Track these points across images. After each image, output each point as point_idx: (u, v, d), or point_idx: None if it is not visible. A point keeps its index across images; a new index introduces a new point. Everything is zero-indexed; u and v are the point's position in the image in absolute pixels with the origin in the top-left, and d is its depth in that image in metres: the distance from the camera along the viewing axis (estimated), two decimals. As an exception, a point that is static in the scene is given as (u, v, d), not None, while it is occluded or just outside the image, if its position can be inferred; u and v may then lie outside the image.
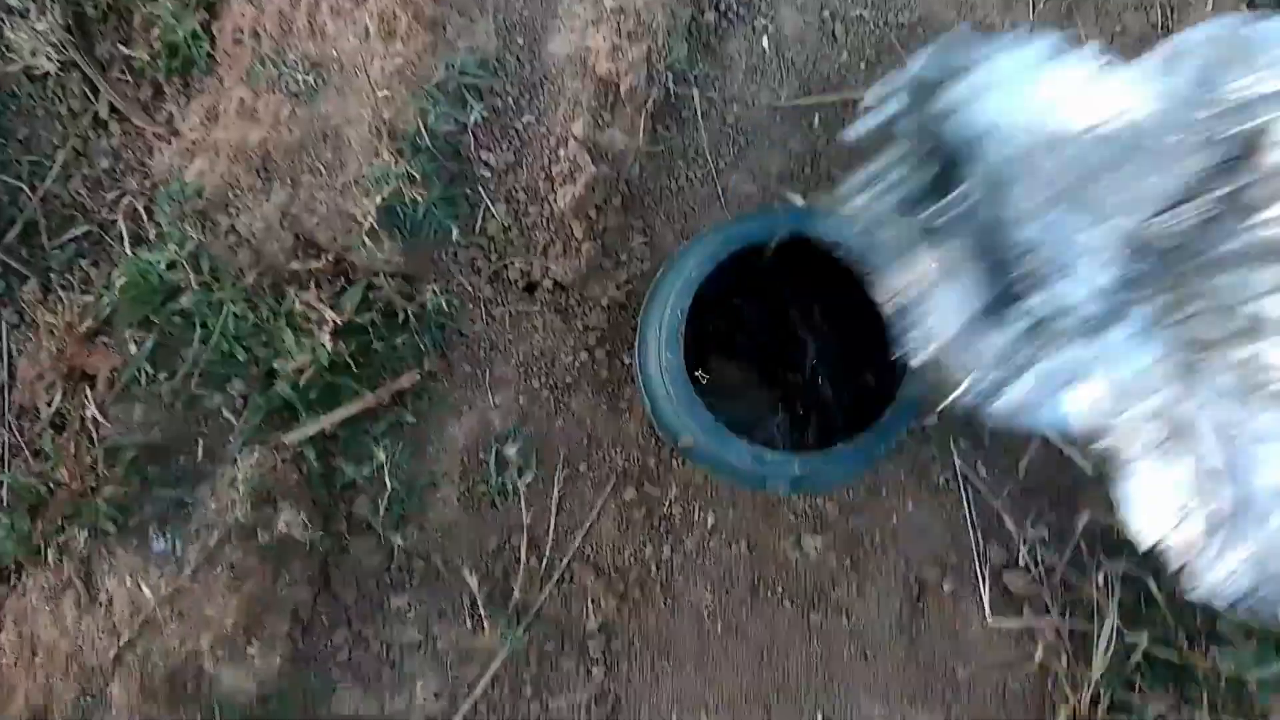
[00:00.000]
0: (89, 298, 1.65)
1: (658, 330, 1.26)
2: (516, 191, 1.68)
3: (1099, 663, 1.73)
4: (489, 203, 1.67)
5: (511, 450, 1.68)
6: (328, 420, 1.63)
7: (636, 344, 1.39)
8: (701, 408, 1.21)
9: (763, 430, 1.45)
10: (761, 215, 1.28)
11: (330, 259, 1.60)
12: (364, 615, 1.65)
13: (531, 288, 1.74)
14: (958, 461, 1.82)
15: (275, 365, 1.60)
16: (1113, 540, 1.80)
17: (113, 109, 1.76)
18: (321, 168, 1.59)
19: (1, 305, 1.74)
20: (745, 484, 1.35)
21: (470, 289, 1.70)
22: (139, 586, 1.45)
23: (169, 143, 1.71)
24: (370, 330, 1.64)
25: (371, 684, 1.63)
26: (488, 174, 1.67)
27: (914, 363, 1.08)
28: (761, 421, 1.45)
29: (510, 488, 1.71)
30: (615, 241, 1.72)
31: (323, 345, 1.57)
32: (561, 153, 1.64)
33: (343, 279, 1.64)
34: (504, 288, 1.72)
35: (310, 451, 1.63)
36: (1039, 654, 1.78)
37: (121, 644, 1.45)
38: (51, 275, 1.75)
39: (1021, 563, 1.79)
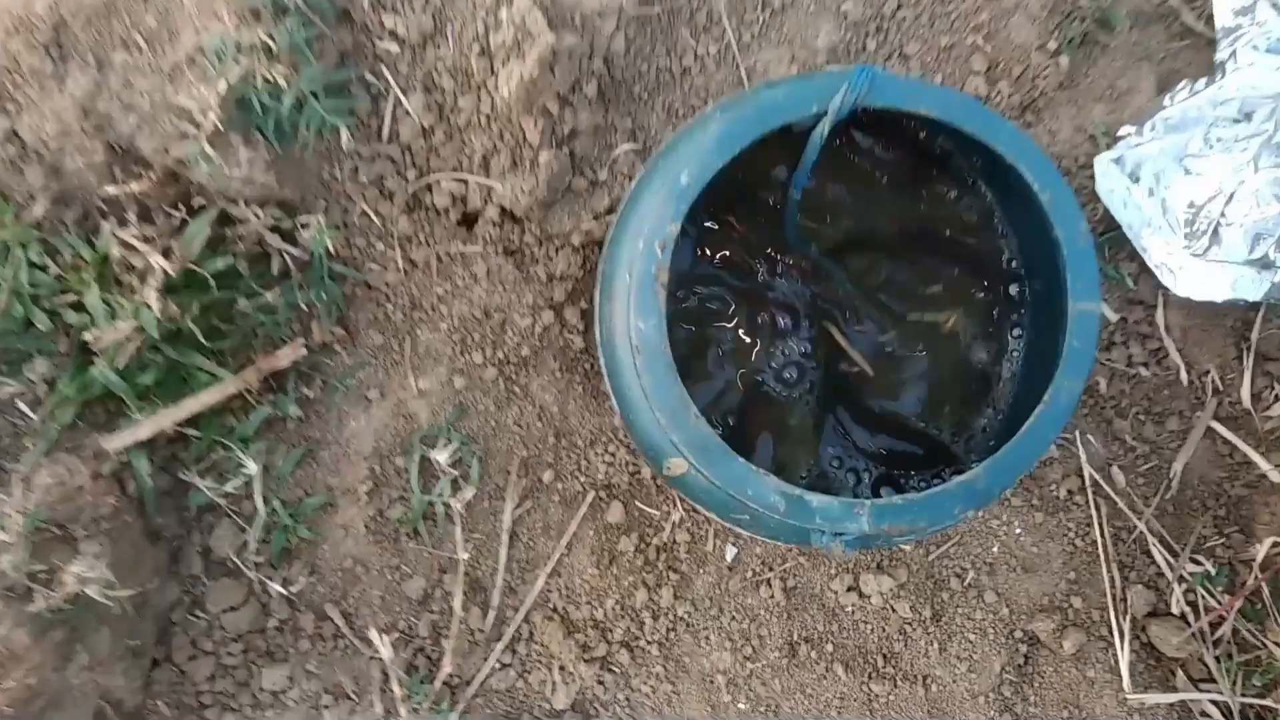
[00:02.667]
0: None
1: (627, 280, 0.72)
2: (438, 75, 1.14)
3: (1292, 758, 1.20)
4: (399, 92, 1.13)
5: (443, 455, 1.16)
6: (169, 417, 1.12)
7: (597, 304, 0.86)
8: (696, 414, 0.68)
9: (799, 447, 0.91)
10: (801, 80, 0.75)
11: (156, 176, 1.07)
12: (225, 699, 1.14)
13: (469, 220, 1.20)
14: (1086, 465, 1.28)
15: (89, 338, 1.09)
16: (1311, 579, 1.25)
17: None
18: (140, 40, 1.06)
19: None
20: (774, 537, 0.82)
21: (378, 222, 1.17)
22: None
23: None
24: (229, 284, 1.12)
25: (234, 800, 1.14)
26: (394, 48, 1.12)
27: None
28: (796, 434, 0.92)
29: (441, 509, 1.19)
30: (589, 149, 1.18)
31: (146, 306, 1.05)
32: (503, 13, 1.08)
33: (184, 208, 1.11)
34: (428, 220, 1.19)
35: (142, 461, 1.12)
36: (1201, 742, 1.25)
37: None
38: None
39: (1175, 609, 1.26)
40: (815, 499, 0.69)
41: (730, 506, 0.77)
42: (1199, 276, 1.20)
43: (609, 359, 0.82)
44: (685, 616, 1.24)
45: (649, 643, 1.23)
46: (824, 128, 0.72)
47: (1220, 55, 1.26)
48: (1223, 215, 1.17)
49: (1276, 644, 1.24)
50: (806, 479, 0.93)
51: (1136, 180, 1.22)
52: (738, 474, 0.69)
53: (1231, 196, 1.16)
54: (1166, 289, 1.26)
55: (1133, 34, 1.31)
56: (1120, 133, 1.28)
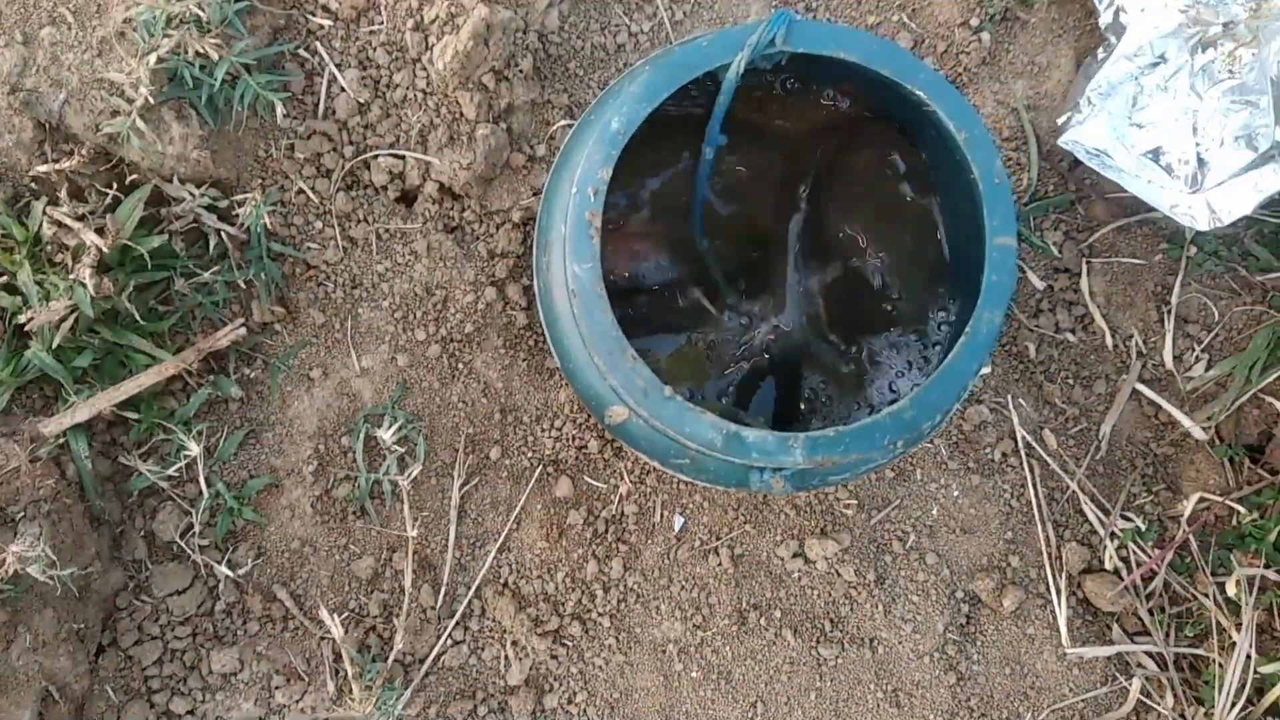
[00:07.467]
0: None
1: (562, 229, 0.73)
2: (373, 50, 1.14)
3: (1223, 703, 1.24)
4: (334, 67, 1.13)
5: (388, 433, 1.16)
6: (106, 399, 1.10)
7: (535, 259, 0.87)
8: (633, 355, 0.69)
9: (730, 392, 0.93)
10: (724, 31, 0.77)
11: (87, 154, 1.06)
12: (173, 683, 1.13)
13: (408, 197, 1.21)
14: (1018, 428, 1.32)
15: (23, 320, 1.07)
16: (1234, 531, 1.30)
17: None
18: (68, 15, 1.05)
19: None
20: (715, 481, 0.84)
21: (316, 199, 1.16)
22: None
23: None
24: (165, 264, 1.11)
25: (181, 786, 1.12)
26: (328, 22, 1.13)
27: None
28: (729, 380, 0.94)
29: (388, 488, 1.19)
30: (527, 125, 1.19)
31: (81, 284, 1.03)
32: (437, -13, 1.10)
33: (116, 187, 1.10)
34: (367, 197, 1.19)
35: (80, 444, 1.10)
36: (1135, 691, 1.29)
37: None
38: None
39: (1109, 565, 1.30)
40: (750, 433, 0.71)
41: (671, 450, 0.79)
42: (1212, 205, 1.21)
43: (547, 311, 0.83)
44: (635, 587, 1.25)
45: (600, 614, 1.24)
46: (739, 65, 0.73)
47: (1104, 19, 1.29)
48: (1198, 145, 1.20)
49: (1205, 595, 1.29)
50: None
51: (1106, 153, 1.25)
52: (674, 412, 0.71)
53: (1195, 128, 1.20)
54: (1090, 255, 1.31)
55: (1051, 10, 1.36)
56: (1060, 121, 1.31)
